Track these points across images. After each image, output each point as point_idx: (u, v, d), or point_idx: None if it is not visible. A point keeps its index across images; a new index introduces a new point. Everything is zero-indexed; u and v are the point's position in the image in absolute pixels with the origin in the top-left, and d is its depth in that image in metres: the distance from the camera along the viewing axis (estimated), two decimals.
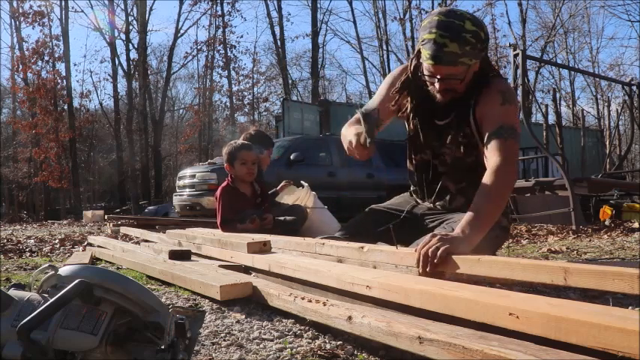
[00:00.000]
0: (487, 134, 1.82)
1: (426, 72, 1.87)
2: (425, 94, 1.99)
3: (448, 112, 1.99)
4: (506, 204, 1.79)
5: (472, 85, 1.91)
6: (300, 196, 3.89)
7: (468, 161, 2.02)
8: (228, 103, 25.35)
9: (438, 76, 1.83)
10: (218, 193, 3.28)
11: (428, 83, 1.92)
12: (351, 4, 25.63)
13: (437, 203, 2.17)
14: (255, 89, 26.49)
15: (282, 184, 4.13)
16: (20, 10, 20.90)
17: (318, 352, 1.23)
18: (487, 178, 1.70)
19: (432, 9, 23.05)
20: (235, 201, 3.21)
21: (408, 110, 2.08)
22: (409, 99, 2.06)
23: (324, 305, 1.35)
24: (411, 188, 2.31)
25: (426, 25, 1.80)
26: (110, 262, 3.05)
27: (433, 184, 2.15)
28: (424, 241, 1.51)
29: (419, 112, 2.06)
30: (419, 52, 1.89)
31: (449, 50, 1.74)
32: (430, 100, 1.99)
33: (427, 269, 1.47)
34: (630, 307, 1.54)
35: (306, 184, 3.97)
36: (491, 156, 1.76)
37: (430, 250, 1.47)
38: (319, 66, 24.84)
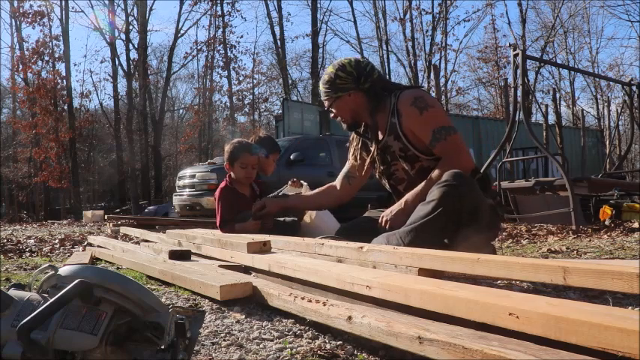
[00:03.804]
0: (428, 144, 2.15)
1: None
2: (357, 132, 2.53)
3: (373, 135, 2.39)
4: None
5: (375, 104, 2.33)
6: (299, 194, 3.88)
7: (412, 174, 2.27)
8: (228, 103, 25.39)
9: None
10: (217, 194, 3.26)
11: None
12: (351, 4, 25.69)
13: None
14: (256, 90, 26.55)
15: (289, 183, 4.11)
16: (20, 10, 20.91)
17: (318, 352, 1.23)
18: (435, 171, 2.08)
19: (432, 9, 23.12)
20: (235, 202, 3.19)
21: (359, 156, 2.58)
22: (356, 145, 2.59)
23: (324, 305, 1.35)
24: None
25: None
26: (110, 262, 3.05)
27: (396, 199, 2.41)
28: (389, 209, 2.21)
29: (362, 147, 2.54)
30: None
31: (318, 90, 2.41)
32: (360, 131, 2.50)
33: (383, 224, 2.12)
34: (630, 308, 1.54)
35: (305, 183, 3.96)
36: (441, 159, 2.09)
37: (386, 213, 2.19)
38: (319, 66, 24.84)
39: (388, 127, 2.28)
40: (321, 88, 2.39)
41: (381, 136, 2.36)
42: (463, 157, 2.07)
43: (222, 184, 3.28)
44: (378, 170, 2.46)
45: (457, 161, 2.01)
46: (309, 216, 3.63)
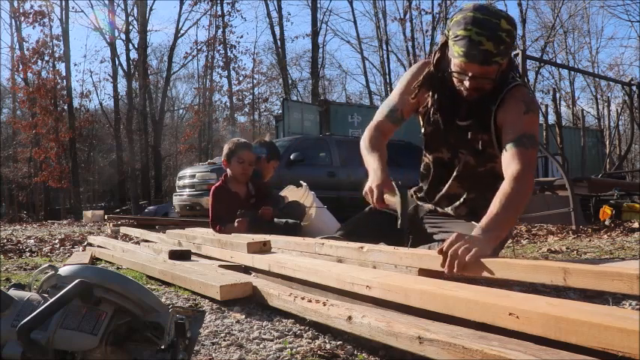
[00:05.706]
0: (508, 142, 1.77)
1: (456, 68, 1.80)
2: (448, 90, 1.92)
3: (470, 114, 1.94)
4: (523, 211, 1.75)
5: (496, 85, 1.85)
6: (298, 195, 3.90)
7: (479, 170, 1.99)
8: (228, 103, 25.38)
9: (470, 74, 1.77)
10: (210, 193, 3.32)
11: (455, 80, 1.85)
12: (351, 4, 25.71)
13: (440, 206, 2.14)
14: (256, 90, 26.55)
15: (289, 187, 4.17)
16: (21, 10, 20.91)
17: (318, 352, 1.23)
18: (508, 184, 1.66)
19: (432, 9, 23.10)
20: (227, 201, 3.22)
21: (429, 105, 2.01)
22: (430, 94, 1.99)
23: (324, 305, 1.35)
24: (413, 189, 2.30)
25: (460, 21, 1.73)
26: (110, 262, 3.05)
27: (442, 186, 2.12)
28: (450, 241, 1.45)
29: (441, 107, 1.99)
30: (443, 46, 1.83)
31: (484, 49, 1.69)
32: (453, 97, 1.93)
33: (454, 270, 1.40)
34: (626, 303, 1.54)
35: (304, 184, 3.97)
36: (512, 163, 1.71)
37: (460, 250, 1.39)
38: (319, 66, 24.83)
39: (478, 111, 1.90)
40: (490, 48, 1.69)
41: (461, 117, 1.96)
42: (532, 176, 1.77)
43: (217, 184, 3.34)
44: (444, 142, 2.04)
45: (530, 178, 1.72)
46: (309, 217, 3.66)
